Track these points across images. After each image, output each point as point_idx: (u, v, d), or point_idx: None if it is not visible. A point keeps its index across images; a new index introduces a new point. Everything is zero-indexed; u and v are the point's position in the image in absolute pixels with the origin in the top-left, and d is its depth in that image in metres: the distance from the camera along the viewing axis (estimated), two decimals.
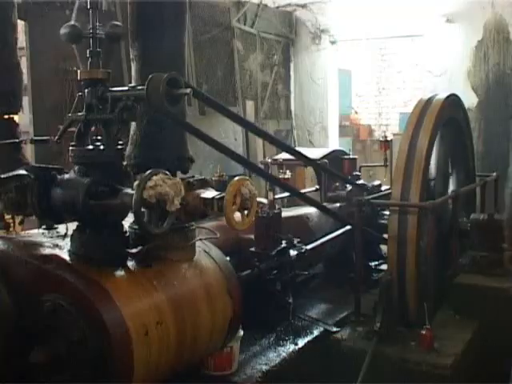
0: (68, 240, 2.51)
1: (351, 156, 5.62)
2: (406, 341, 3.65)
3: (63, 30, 2.50)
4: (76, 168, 2.48)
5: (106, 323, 2.18)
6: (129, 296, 2.32)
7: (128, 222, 2.55)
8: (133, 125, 2.80)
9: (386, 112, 14.48)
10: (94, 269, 2.33)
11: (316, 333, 3.75)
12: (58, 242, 2.57)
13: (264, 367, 3.22)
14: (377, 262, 5.07)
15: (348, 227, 4.46)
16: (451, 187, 4.84)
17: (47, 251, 2.48)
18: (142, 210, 2.20)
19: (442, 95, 4.54)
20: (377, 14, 9.60)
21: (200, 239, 2.75)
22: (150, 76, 2.32)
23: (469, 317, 4.03)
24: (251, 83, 9.77)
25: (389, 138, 6.70)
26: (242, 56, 9.50)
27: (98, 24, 2.52)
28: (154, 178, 2.19)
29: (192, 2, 7.88)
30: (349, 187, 5.07)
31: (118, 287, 2.32)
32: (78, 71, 2.55)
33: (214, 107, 3.29)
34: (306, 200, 4.25)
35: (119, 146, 2.52)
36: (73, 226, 2.54)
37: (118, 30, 2.54)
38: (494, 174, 5.43)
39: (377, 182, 5.25)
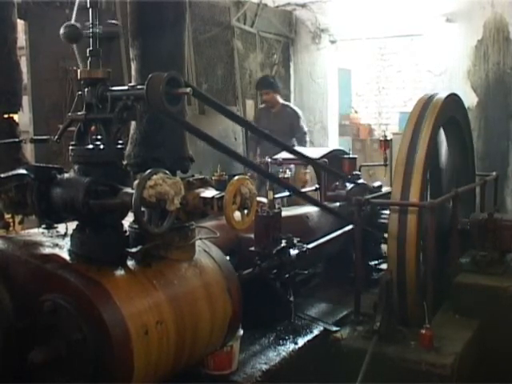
0: (68, 239, 2.51)
1: (351, 155, 5.60)
2: (406, 340, 3.65)
3: (62, 30, 2.50)
4: (76, 167, 2.47)
5: (106, 323, 2.17)
6: (129, 295, 2.32)
7: (128, 221, 2.54)
8: (133, 124, 2.80)
9: (385, 111, 14.51)
10: (94, 268, 2.33)
11: (316, 332, 3.75)
12: (57, 242, 2.57)
13: (264, 366, 3.21)
14: (377, 262, 5.07)
15: (348, 227, 4.46)
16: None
17: (47, 251, 2.47)
18: (142, 209, 2.20)
19: (442, 94, 4.54)
20: (377, 13, 9.60)
21: (200, 238, 2.75)
22: (150, 75, 2.32)
23: (469, 316, 4.03)
24: (251, 82, 9.76)
25: (389, 138, 6.69)
26: (241, 55, 9.49)
27: (97, 23, 2.52)
28: (154, 177, 2.18)
29: (192, 2, 7.87)
30: (349, 186, 5.06)
31: (118, 287, 2.31)
32: (78, 70, 2.54)
33: (213, 107, 3.28)
34: (307, 198, 4.24)
35: (119, 146, 2.51)
36: (73, 225, 2.53)
37: (114, 29, 2.53)
38: (494, 173, 5.43)
39: (377, 183, 5.25)
